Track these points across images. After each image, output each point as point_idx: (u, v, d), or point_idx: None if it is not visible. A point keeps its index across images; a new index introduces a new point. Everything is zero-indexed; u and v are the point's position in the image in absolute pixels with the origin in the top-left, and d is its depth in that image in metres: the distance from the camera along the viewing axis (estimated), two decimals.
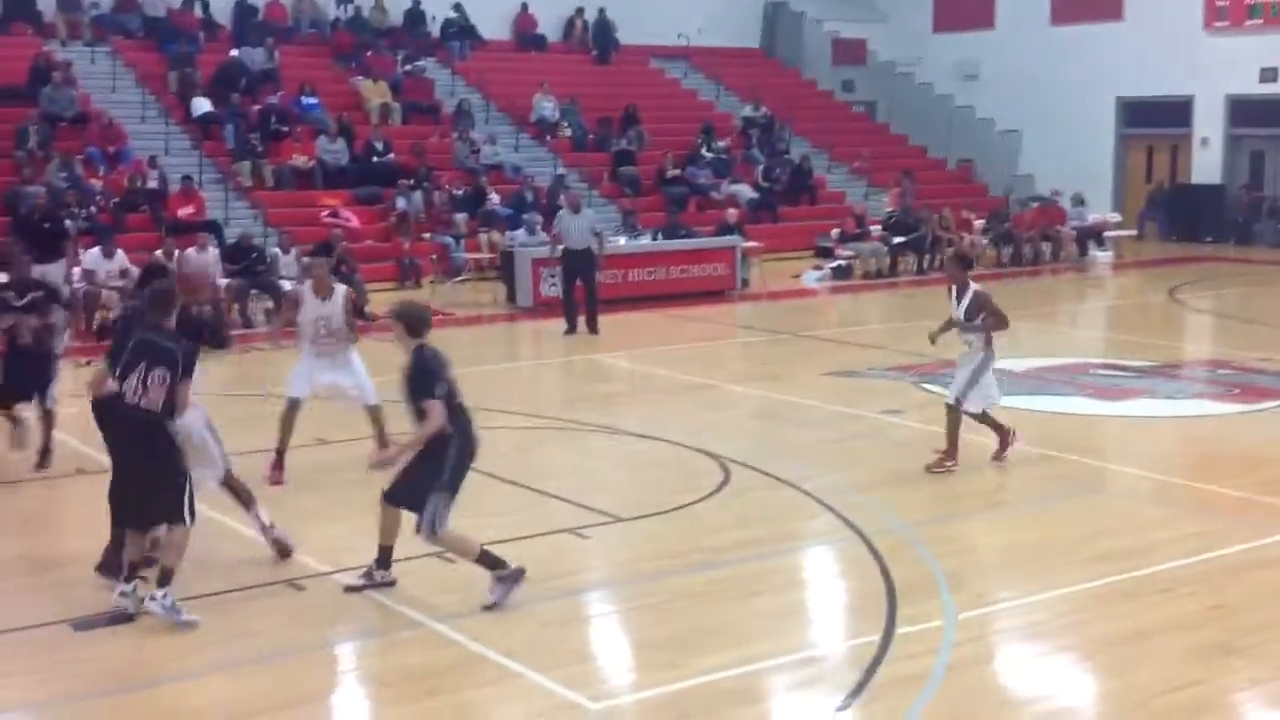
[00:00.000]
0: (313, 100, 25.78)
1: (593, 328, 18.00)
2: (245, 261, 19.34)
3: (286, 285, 19.02)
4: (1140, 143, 31.63)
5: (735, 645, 7.30)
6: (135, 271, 15.34)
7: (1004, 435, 10.94)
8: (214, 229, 21.04)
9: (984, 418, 10.89)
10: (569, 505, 9.88)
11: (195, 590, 8.01)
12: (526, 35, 31.29)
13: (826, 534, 9.41)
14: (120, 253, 18.15)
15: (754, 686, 6.91)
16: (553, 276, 19.50)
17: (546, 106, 28.31)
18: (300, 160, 24.19)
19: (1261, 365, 15.38)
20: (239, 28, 27.73)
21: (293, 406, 10.75)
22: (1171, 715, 6.53)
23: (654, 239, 22.67)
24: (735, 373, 15.92)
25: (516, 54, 30.86)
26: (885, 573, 8.38)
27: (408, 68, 27.96)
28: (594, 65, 31.29)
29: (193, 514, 7.81)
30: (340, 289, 10.94)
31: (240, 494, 8.69)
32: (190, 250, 19.21)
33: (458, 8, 30.02)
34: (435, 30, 29.83)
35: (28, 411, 10.84)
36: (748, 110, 30.56)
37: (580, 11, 31.72)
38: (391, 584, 8.08)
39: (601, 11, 31.49)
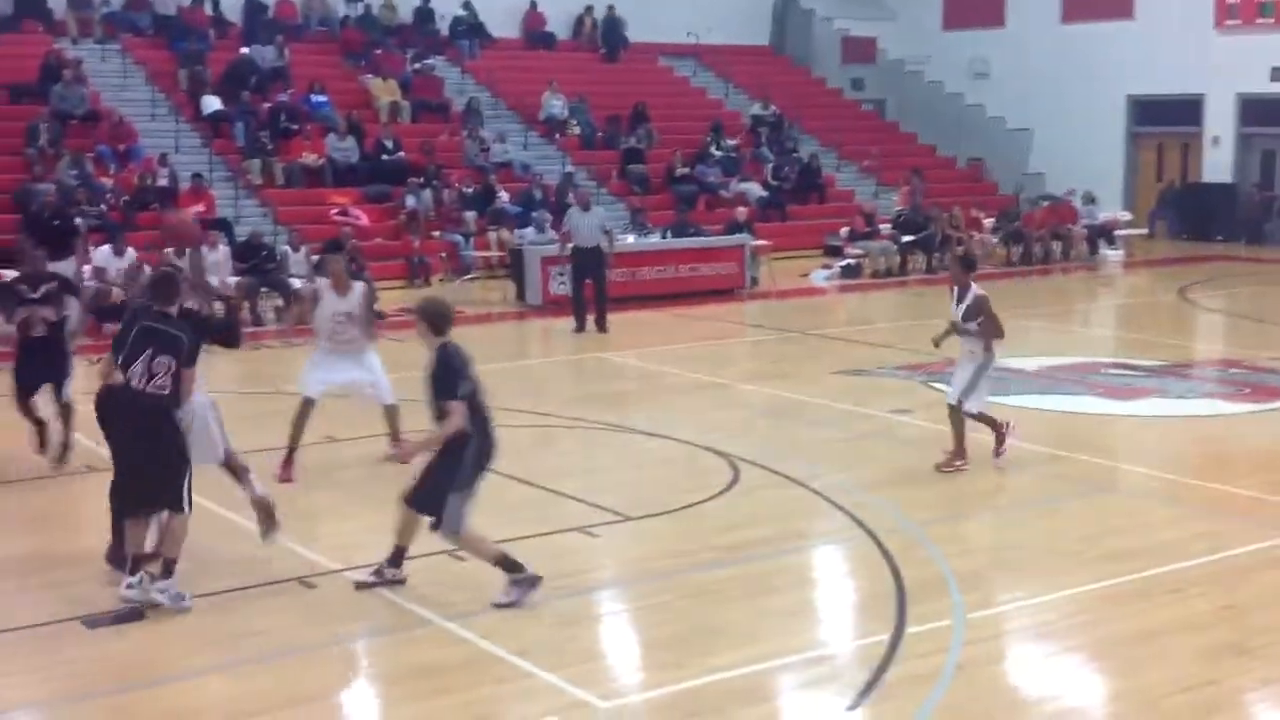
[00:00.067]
0: (322, 98, 25.81)
1: (602, 326, 17.99)
2: (255, 260, 19.38)
3: (296, 283, 19.08)
4: (1151, 141, 31.56)
5: (744, 644, 7.29)
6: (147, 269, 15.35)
7: (999, 430, 10.91)
8: (224, 227, 21.10)
9: (980, 416, 10.87)
10: (578, 503, 9.88)
11: (205, 588, 8.03)
12: (536, 33, 31.30)
13: (836, 533, 9.40)
14: (131, 250, 18.17)
15: (763, 685, 6.91)
16: (562, 274, 19.50)
17: (555, 104, 28.31)
18: (310, 158, 24.23)
19: (1272, 365, 15.35)
20: (249, 25, 27.77)
21: (306, 405, 10.74)
22: (1182, 716, 6.51)
23: (663, 237, 22.67)
24: (744, 371, 15.92)
25: (526, 52, 30.87)
26: (895, 572, 8.37)
27: (417, 66, 27.98)
28: (603, 63, 31.29)
29: (190, 503, 7.85)
30: (359, 285, 10.93)
31: (236, 470, 8.68)
32: (201, 248, 19.25)
33: (467, 6, 30.05)
34: (444, 28, 29.85)
35: (45, 409, 10.86)
36: (757, 108, 30.54)
37: (589, 9, 31.73)
38: (401, 582, 8.09)
39: (610, 9, 31.48)
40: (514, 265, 21.34)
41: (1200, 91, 29.80)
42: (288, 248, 20.16)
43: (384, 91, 26.88)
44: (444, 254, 22.85)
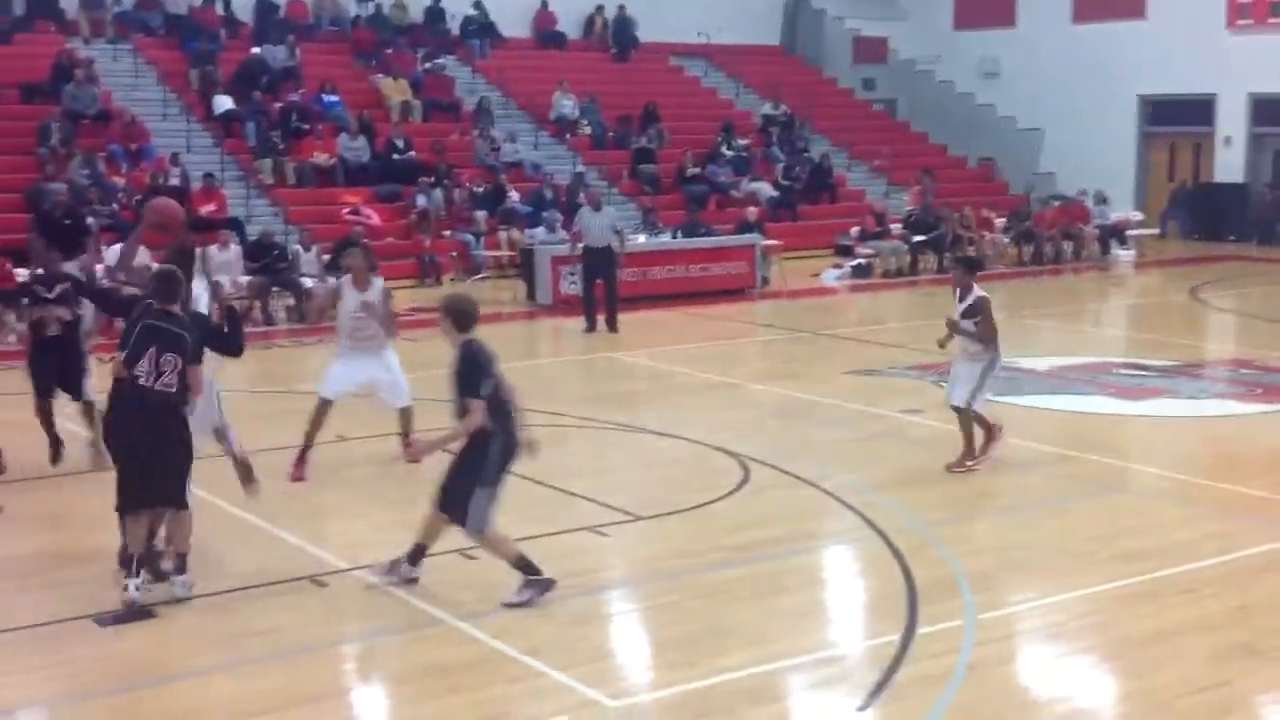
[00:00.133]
0: (334, 98, 25.85)
1: (612, 326, 18.00)
2: (266, 259, 19.42)
3: (308, 282, 19.14)
4: (1163, 141, 31.49)
5: (755, 644, 7.29)
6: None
7: (991, 431, 10.90)
8: (236, 226, 21.16)
9: (976, 416, 10.86)
10: (588, 503, 9.89)
11: (215, 587, 8.05)
12: (546, 33, 31.31)
13: (846, 533, 9.39)
14: (142, 249, 18.18)
15: (773, 686, 6.90)
16: (572, 274, 19.51)
17: (566, 104, 28.32)
18: (321, 158, 24.27)
19: None
20: (260, 25, 27.82)
21: (324, 406, 10.75)
22: (1195, 716, 6.50)
23: (674, 237, 22.67)
24: (755, 371, 15.91)
25: (536, 51, 30.90)
26: (906, 572, 8.36)
27: (428, 65, 28.01)
28: (613, 63, 31.29)
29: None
30: (378, 281, 10.93)
31: (220, 431, 8.83)
32: (212, 247, 19.28)
33: (478, 5, 30.07)
34: (455, 28, 29.87)
35: (62, 424, 10.87)
36: (768, 108, 30.53)
37: (600, 9, 31.73)
38: (414, 581, 8.09)
39: (621, 9, 31.48)
40: (524, 265, 21.36)
41: (1212, 91, 29.73)
42: (299, 247, 20.19)
43: (395, 91, 26.91)
44: (455, 253, 22.87)
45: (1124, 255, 26.98)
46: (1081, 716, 6.64)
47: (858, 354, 16.26)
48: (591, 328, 18.05)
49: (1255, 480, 10.55)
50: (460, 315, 7.84)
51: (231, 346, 8.79)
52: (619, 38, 31.56)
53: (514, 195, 24.45)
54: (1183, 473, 10.91)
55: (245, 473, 8.91)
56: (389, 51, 28.05)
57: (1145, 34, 30.16)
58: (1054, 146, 31.18)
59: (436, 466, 10.32)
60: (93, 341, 11.56)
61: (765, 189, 27.26)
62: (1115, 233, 27.23)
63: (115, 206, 21.11)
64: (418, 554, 8.10)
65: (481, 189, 24.51)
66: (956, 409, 10.77)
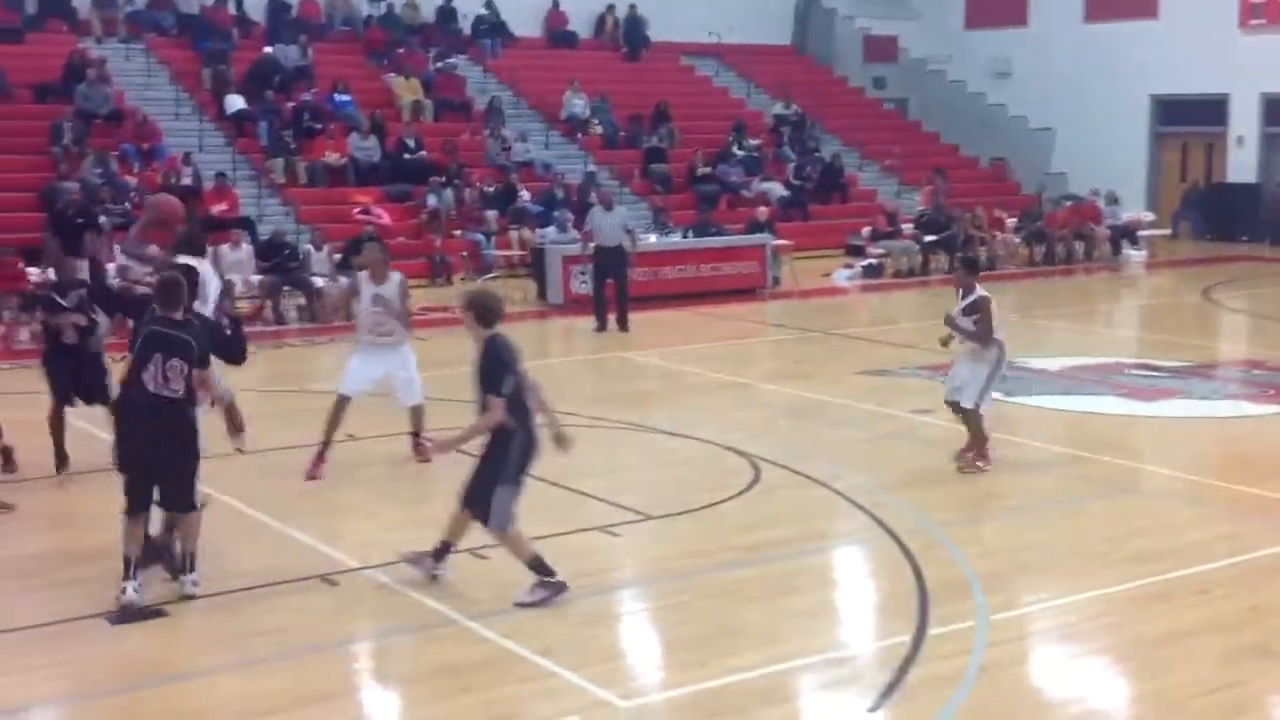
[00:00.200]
0: (345, 97, 25.89)
1: (623, 325, 18.00)
2: (278, 258, 19.45)
3: (319, 282, 19.17)
4: (1175, 141, 31.42)
5: (766, 644, 7.28)
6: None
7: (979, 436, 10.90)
8: (247, 226, 21.19)
9: (958, 412, 10.84)
10: (599, 503, 9.88)
11: (225, 586, 8.06)
12: (558, 32, 31.32)
13: (857, 533, 9.38)
14: (155, 248, 18.22)
15: (784, 686, 6.89)
16: (583, 274, 19.51)
17: (577, 104, 28.33)
18: (333, 157, 24.30)
19: None
20: (272, 25, 27.86)
21: (342, 403, 10.77)
22: (1208, 717, 6.48)
23: (685, 237, 22.65)
24: (766, 371, 15.90)
25: (547, 51, 30.90)
26: (917, 573, 8.34)
27: (439, 65, 28.03)
28: (624, 62, 31.29)
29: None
30: (395, 274, 10.95)
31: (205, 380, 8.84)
32: (224, 247, 19.33)
33: (489, 5, 30.08)
34: (467, 27, 29.90)
35: (83, 415, 10.88)
36: (779, 108, 30.51)
37: (611, 9, 31.73)
38: (436, 578, 8.07)
39: (632, 8, 31.47)
40: (535, 264, 21.37)
41: (1224, 91, 29.65)
42: (310, 246, 20.22)
43: (406, 90, 26.94)
44: (465, 253, 22.88)
45: (1136, 256, 26.93)
46: (1094, 718, 6.63)
47: (869, 354, 16.24)
48: (602, 327, 18.05)
49: (1268, 481, 10.50)
50: (484, 310, 7.84)
51: (234, 353, 8.81)
52: (630, 37, 31.56)
53: (525, 195, 24.46)
54: (1195, 474, 10.88)
55: (232, 420, 8.76)
56: (400, 51, 28.08)
57: (1157, 34, 30.09)
58: (1066, 146, 31.12)
59: (449, 466, 10.33)
60: (105, 341, 11.56)
61: (776, 189, 27.24)
62: (1127, 233, 27.17)
63: (127, 206, 21.14)
64: (443, 551, 8.10)
65: (492, 188, 24.52)
66: (966, 410, 10.74)
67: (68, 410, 10.61)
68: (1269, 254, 27.55)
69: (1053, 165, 31.21)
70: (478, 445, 7.98)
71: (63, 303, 10.37)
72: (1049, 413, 13.03)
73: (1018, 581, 8.43)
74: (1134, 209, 28.61)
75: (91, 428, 10.96)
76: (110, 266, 17.99)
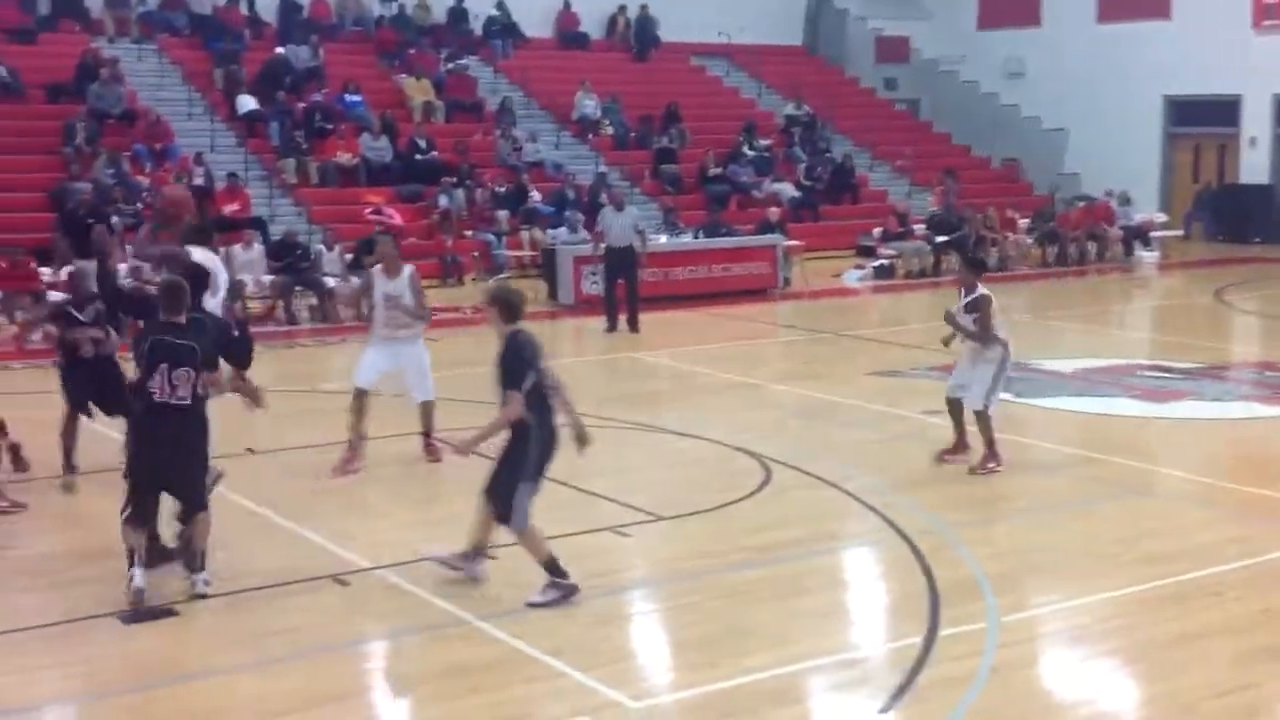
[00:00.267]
0: (357, 98, 25.92)
1: (634, 326, 17.99)
2: (289, 258, 19.48)
3: (330, 282, 19.20)
4: (1187, 142, 31.33)
5: (776, 645, 7.27)
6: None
7: (962, 441, 10.89)
8: (259, 226, 21.23)
9: (955, 411, 10.84)
10: (610, 503, 9.88)
11: (237, 585, 8.08)
12: (569, 33, 31.34)
13: (868, 534, 9.37)
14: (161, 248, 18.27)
15: (795, 687, 6.88)
16: (594, 274, 19.52)
17: (588, 104, 28.34)
18: (344, 158, 24.34)
19: None
20: (284, 25, 27.91)
21: (359, 395, 10.80)
22: None
23: (695, 237, 22.65)
24: (777, 372, 15.88)
25: (558, 52, 30.92)
26: (928, 574, 8.33)
27: (450, 65, 28.06)
28: (635, 63, 31.29)
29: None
30: (408, 268, 10.99)
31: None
32: (236, 247, 19.38)
33: (500, 6, 30.12)
34: (478, 28, 29.93)
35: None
36: (790, 108, 30.49)
37: (622, 9, 31.74)
38: (477, 579, 8.05)
39: (644, 8, 31.47)
40: (546, 265, 21.37)
41: (1237, 92, 29.55)
42: (322, 247, 20.26)
43: (418, 91, 26.97)
44: (476, 253, 22.90)
45: (1148, 257, 26.86)
46: (1105, 719, 6.62)
47: (880, 355, 16.22)
48: (613, 328, 18.05)
49: None
50: (507, 306, 7.87)
51: (240, 355, 8.82)
52: (640, 38, 31.56)
53: (536, 195, 24.47)
54: (1207, 475, 10.85)
55: (253, 401, 8.82)
56: (412, 52, 28.11)
57: (1170, 34, 29.99)
58: (1078, 147, 31.05)
59: (460, 466, 10.34)
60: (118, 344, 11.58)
61: (787, 189, 27.23)
62: (1139, 234, 27.10)
63: (139, 206, 21.19)
64: (475, 552, 8.10)
65: (503, 189, 24.54)
66: (975, 413, 10.72)
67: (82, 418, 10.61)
68: None
69: (1065, 166, 31.15)
70: (491, 445, 7.97)
71: (80, 317, 10.37)
72: (1061, 414, 13.01)
73: (1029, 583, 8.42)
74: (1147, 210, 28.54)
75: (103, 428, 10.99)
76: (122, 267, 18.05)
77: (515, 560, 8.04)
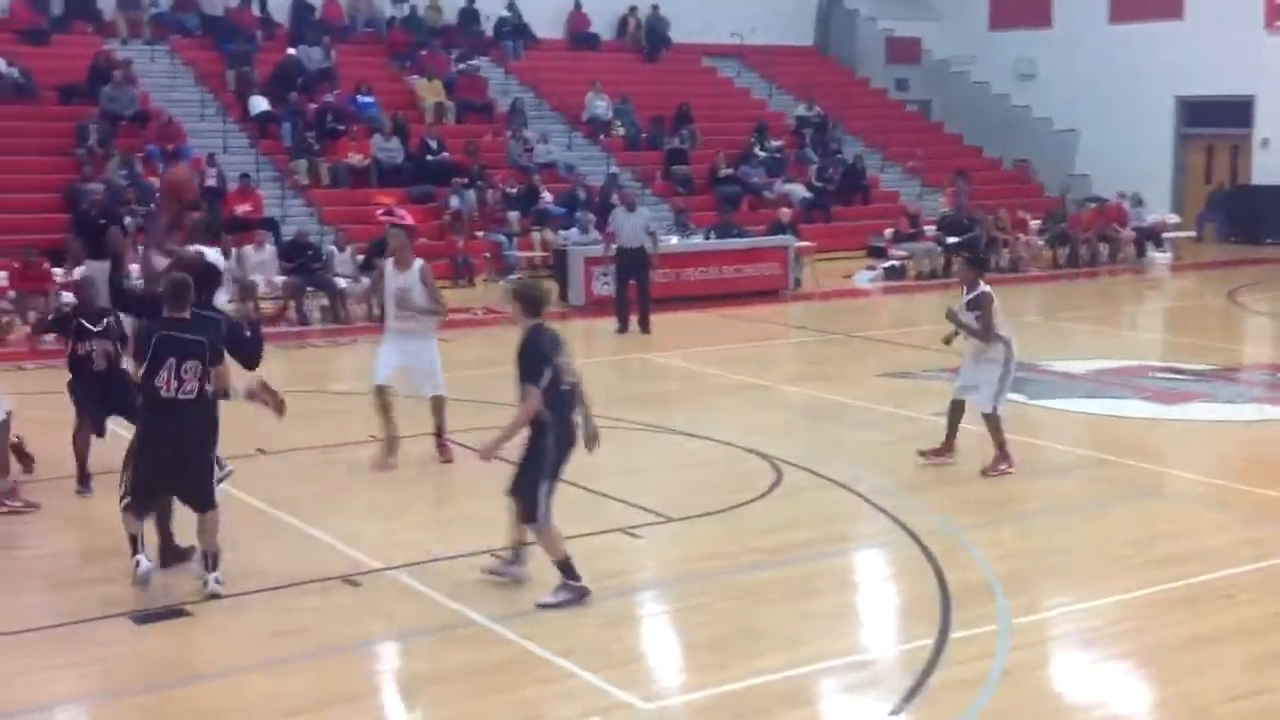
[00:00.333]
0: (368, 99, 25.95)
1: (645, 327, 17.99)
2: (301, 259, 19.52)
3: (342, 283, 19.23)
4: (1200, 143, 31.25)
5: (787, 647, 7.27)
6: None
7: (949, 445, 10.88)
8: (271, 226, 21.27)
9: (955, 413, 10.80)
10: (620, 504, 9.88)
11: (248, 586, 8.09)
12: (580, 34, 31.34)
13: (878, 536, 9.36)
14: (163, 256, 18.29)
15: (806, 689, 6.88)
16: (605, 275, 19.52)
17: (599, 105, 28.34)
18: (356, 159, 24.36)
19: None
20: (296, 27, 27.94)
21: (379, 392, 10.83)
22: None
23: (706, 238, 22.64)
24: (787, 373, 15.88)
25: (569, 53, 30.92)
26: (939, 576, 8.32)
27: (462, 66, 28.08)
28: (646, 64, 31.29)
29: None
30: (418, 261, 11.00)
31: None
32: (248, 247, 19.43)
33: (511, 7, 30.12)
34: (489, 29, 29.93)
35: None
36: (801, 109, 30.46)
37: (633, 10, 31.72)
38: (521, 581, 8.06)
39: (655, 9, 31.47)
40: (557, 265, 21.38)
41: (1250, 93, 29.47)
42: (333, 247, 20.27)
43: (429, 92, 27.00)
44: (487, 254, 22.90)
45: (1160, 258, 26.79)
46: None
47: (890, 356, 16.20)
48: (624, 328, 18.06)
49: None
50: (529, 300, 7.88)
51: (250, 356, 8.82)
52: (651, 38, 31.55)
53: (547, 196, 24.47)
54: (1219, 477, 10.82)
55: (269, 396, 8.84)
56: (423, 53, 28.14)
57: (1182, 34, 29.91)
58: (1090, 148, 30.98)
59: (471, 467, 10.36)
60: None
61: (798, 190, 27.20)
62: (1151, 235, 27.04)
63: (151, 206, 21.22)
64: (518, 553, 8.11)
65: (514, 190, 24.55)
66: (984, 415, 10.70)
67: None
68: None
69: (1077, 167, 31.09)
70: (512, 450, 7.94)
71: (92, 328, 10.38)
72: (1072, 416, 12.98)
73: (1040, 585, 8.40)
74: (1159, 211, 28.47)
75: (113, 426, 11.01)
76: (133, 268, 18.08)
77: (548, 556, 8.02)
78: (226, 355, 8.15)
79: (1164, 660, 7.17)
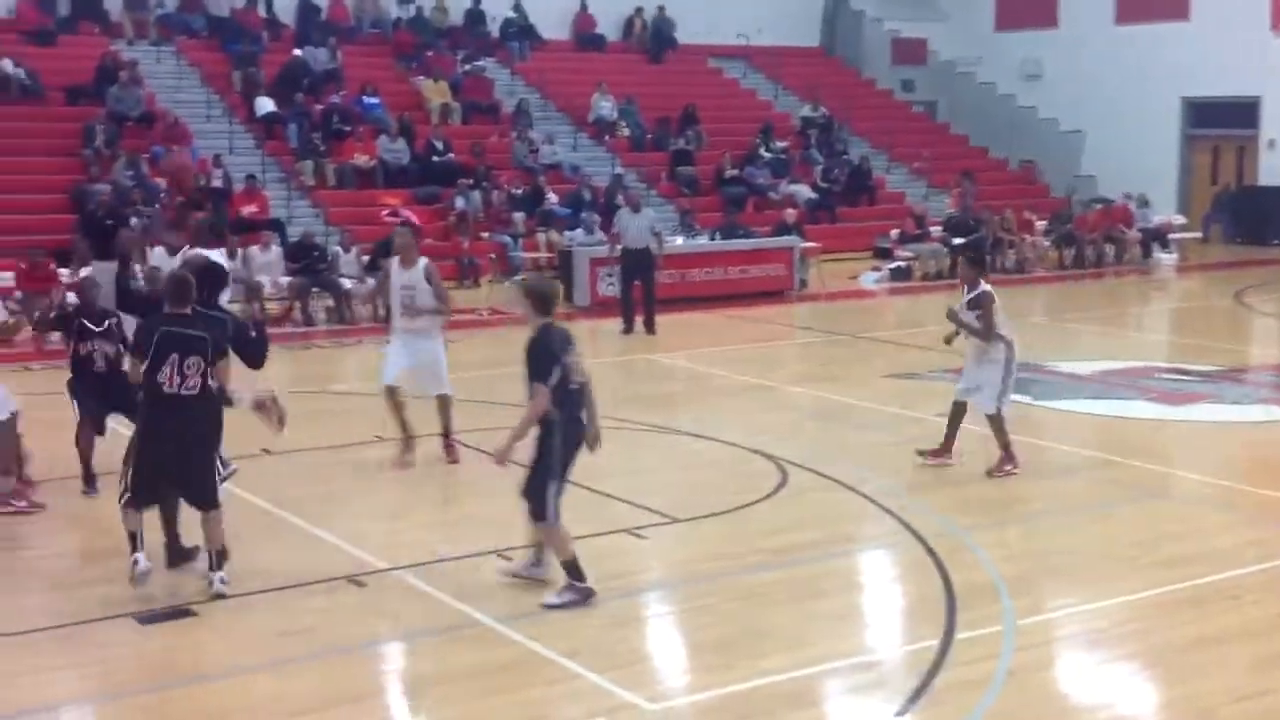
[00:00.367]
0: (374, 100, 25.97)
1: (650, 328, 17.99)
2: (307, 260, 19.53)
3: (347, 284, 19.25)
4: (1206, 144, 31.21)
5: (792, 648, 7.27)
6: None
7: (948, 446, 10.87)
8: (277, 227, 21.29)
9: (956, 414, 10.80)
10: (626, 505, 9.88)
11: (252, 586, 8.09)
12: (585, 35, 31.35)
13: (884, 537, 9.35)
14: (185, 249, 18.33)
15: (811, 690, 6.88)
16: (610, 276, 19.52)
17: (605, 106, 28.35)
18: (362, 160, 24.38)
19: None
20: (302, 28, 27.98)
21: (389, 393, 10.87)
22: None
23: (712, 239, 22.64)
24: (793, 374, 15.87)
25: (575, 54, 30.93)
26: (944, 577, 8.31)
27: (468, 67, 28.10)
28: (652, 65, 31.29)
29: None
30: (422, 260, 11.02)
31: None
32: (254, 248, 19.44)
33: (517, 8, 30.14)
34: (495, 30, 29.96)
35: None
36: (806, 110, 30.45)
37: (639, 11, 31.73)
38: (543, 582, 8.06)
39: (661, 10, 31.47)
40: (562, 266, 21.38)
41: (1256, 94, 29.43)
42: (339, 248, 20.30)
43: (435, 93, 27.01)
44: (493, 255, 22.92)
45: (1166, 259, 26.77)
46: None
47: (896, 357, 16.19)
48: (629, 329, 18.06)
49: None
50: (540, 298, 7.88)
51: (255, 356, 8.82)
52: (657, 39, 31.55)
53: (552, 197, 24.49)
54: (1225, 478, 10.81)
55: (270, 411, 8.78)
56: (429, 54, 28.16)
57: (1189, 35, 29.88)
58: (1096, 149, 30.95)
59: (476, 468, 10.38)
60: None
61: (804, 191, 27.20)
62: (1158, 236, 27.01)
63: (157, 207, 21.27)
64: (540, 553, 8.11)
65: (520, 191, 24.56)
66: (988, 416, 10.70)
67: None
68: None
69: (1083, 168, 31.06)
70: (523, 454, 7.93)
71: (94, 329, 10.40)
72: (1078, 417, 12.97)
73: (1045, 586, 8.39)
74: (1165, 212, 28.43)
75: (116, 425, 11.02)
76: (139, 269, 18.11)
77: (554, 556, 8.02)
78: (229, 355, 8.15)
79: (1169, 661, 7.16)
